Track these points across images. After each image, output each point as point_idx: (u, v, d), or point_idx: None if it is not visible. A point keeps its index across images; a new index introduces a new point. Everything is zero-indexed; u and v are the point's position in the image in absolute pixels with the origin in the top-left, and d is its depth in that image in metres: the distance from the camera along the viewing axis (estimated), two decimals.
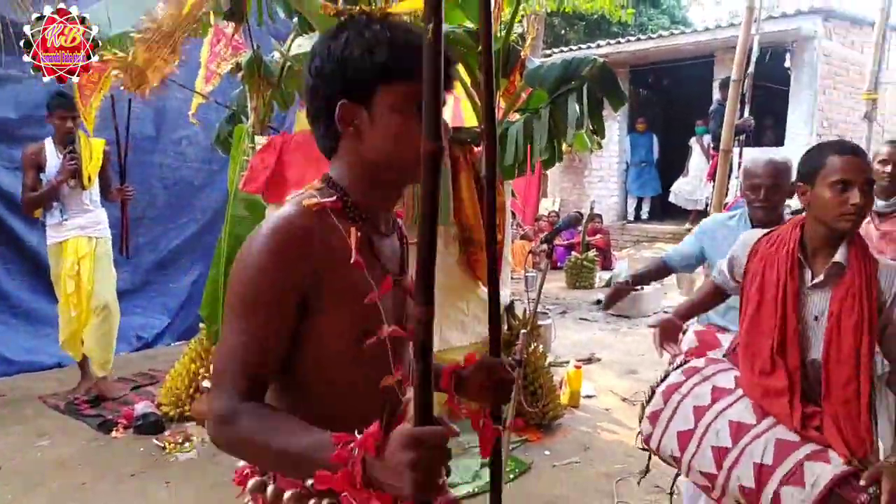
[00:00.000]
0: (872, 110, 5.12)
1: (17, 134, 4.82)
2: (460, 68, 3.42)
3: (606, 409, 4.37)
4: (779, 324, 1.84)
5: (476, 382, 1.30)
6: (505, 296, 4.33)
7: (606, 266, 9.22)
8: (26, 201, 4.22)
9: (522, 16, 4.69)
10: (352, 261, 1.04)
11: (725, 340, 2.33)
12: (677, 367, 2.09)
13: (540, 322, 4.91)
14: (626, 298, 6.84)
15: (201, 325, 4.23)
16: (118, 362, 4.69)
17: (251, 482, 1.14)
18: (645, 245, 10.88)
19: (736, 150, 5.38)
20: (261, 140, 3.97)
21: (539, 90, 3.75)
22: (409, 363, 1.22)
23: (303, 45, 4.36)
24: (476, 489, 3.15)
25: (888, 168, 3.28)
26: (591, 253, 8.87)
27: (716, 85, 9.08)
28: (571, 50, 11.65)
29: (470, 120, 4.42)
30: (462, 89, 3.83)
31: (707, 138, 9.19)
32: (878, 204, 3.31)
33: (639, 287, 6.85)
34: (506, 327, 4.10)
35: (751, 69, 5.31)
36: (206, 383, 3.90)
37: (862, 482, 1.63)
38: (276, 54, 4.36)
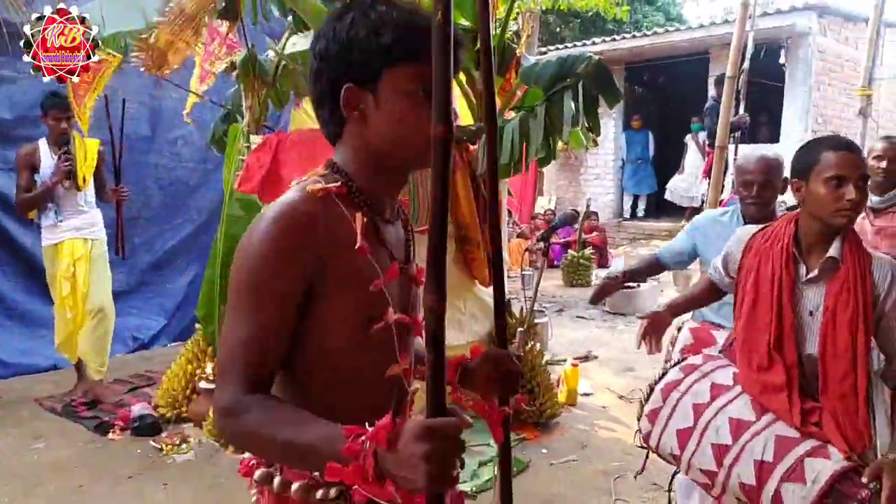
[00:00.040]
0: (867, 106, 5.12)
1: (11, 134, 4.80)
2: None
3: (603, 407, 4.37)
4: (775, 319, 1.84)
5: (483, 374, 1.28)
6: None
7: (603, 264, 9.23)
8: (21, 203, 4.20)
9: (517, 13, 4.69)
10: (357, 246, 1.03)
11: (720, 337, 2.34)
12: (675, 365, 2.08)
13: (537, 320, 4.91)
14: (619, 295, 6.90)
15: (198, 325, 4.21)
16: (114, 364, 4.68)
17: (258, 473, 1.13)
18: (641, 242, 10.89)
19: (731, 147, 5.37)
20: (256, 139, 3.96)
21: (534, 88, 3.75)
22: (414, 353, 1.21)
23: (297, 43, 4.35)
24: (475, 488, 3.16)
25: (883, 164, 3.29)
26: (588, 251, 8.87)
27: (711, 82, 9.10)
28: (567, 47, 11.64)
29: (465, 118, 4.42)
30: (458, 87, 3.83)
31: (702, 135, 9.19)
32: (873, 200, 3.31)
33: (635, 284, 6.90)
34: None
35: (745, 66, 5.31)
36: (203, 384, 3.89)
37: (863, 479, 1.64)
38: (271, 53, 4.35)
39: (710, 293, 2.31)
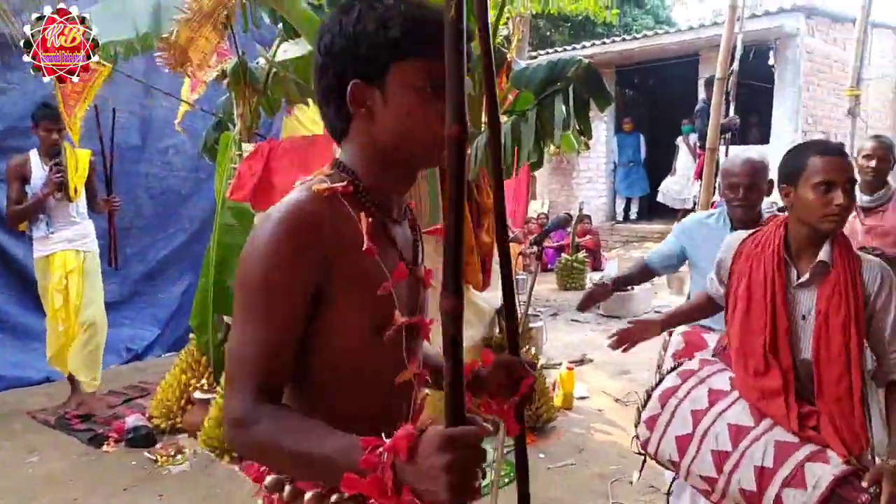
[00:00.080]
0: (855, 106, 5.16)
1: (1, 146, 4.78)
2: None
3: (599, 410, 4.37)
4: (769, 323, 1.84)
5: (495, 381, 1.26)
6: (496, 299, 4.32)
7: (597, 267, 9.24)
8: (11, 214, 4.18)
9: (508, 18, 4.70)
10: (364, 248, 1.00)
11: (711, 341, 2.34)
12: (672, 370, 2.08)
13: (531, 324, 4.91)
14: (613, 298, 6.88)
15: (192, 335, 4.19)
16: (108, 375, 4.66)
17: (269, 479, 1.10)
18: (634, 245, 10.92)
19: (722, 149, 5.40)
20: (248, 147, 3.96)
21: (525, 92, 3.76)
22: (421, 357, 1.19)
23: (288, 50, 4.35)
24: None
25: (872, 163, 3.31)
26: (581, 254, 8.88)
27: (701, 84, 9.14)
28: (557, 51, 11.68)
29: None
30: None
31: (693, 137, 9.23)
32: (863, 199, 3.34)
33: (628, 288, 6.90)
34: (497, 330, 4.09)
35: (735, 67, 5.34)
36: (198, 394, 3.87)
37: (864, 483, 1.65)
38: (262, 60, 4.34)
39: (707, 307, 2.30)
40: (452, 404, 0.81)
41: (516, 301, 1.29)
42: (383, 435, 0.85)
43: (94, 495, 3.28)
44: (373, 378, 1.07)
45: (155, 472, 3.52)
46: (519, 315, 4.44)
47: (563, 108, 3.45)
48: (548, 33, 15.42)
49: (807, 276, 1.83)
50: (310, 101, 4.69)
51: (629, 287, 6.78)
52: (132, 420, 3.92)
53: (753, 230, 2.05)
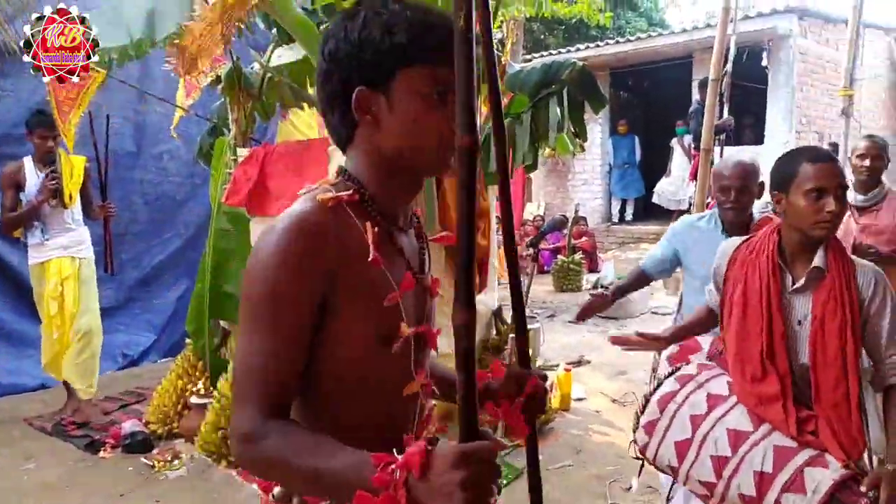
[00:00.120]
0: (849, 106, 5.18)
1: None
2: None
3: (597, 412, 4.37)
4: (765, 328, 1.85)
5: (505, 394, 1.24)
6: (492, 301, 4.33)
7: (593, 268, 9.25)
8: (5, 222, 4.17)
9: (502, 21, 4.71)
10: (370, 259, 0.99)
11: (705, 343, 2.34)
12: (670, 375, 2.07)
13: (528, 326, 4.91)
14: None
15: (188, 340, 4.19)
16: (104, 381, 4.64)
17: (277, 489, 1.08)
18: (630, 246, 10.94)
19: (717, 150, 5.41)
20: (243, 152, 3.96)
21: (520, 95, 3.76)
22: (428, 367, 1.18)
23: (283, 55, 4.35)
24: None
25: (866, 162, 3.33)
26: (578, 256, 8.89)
27: (695, 85, 9.15)
28: (551, 54, 11.71)
29: None
30: None
31: (688, 138, 9.26)
32: (858, 198, 3.35)
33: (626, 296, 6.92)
34: (494, 332, 4.09)
35: (728, 69, 5.36)
36: (194, 399, 3.86)
37: (862, 487, 1.66)
38: (256, 66, 4.35)
39: (708, 320, 2.29)
40: (465, 419, 0.80)
41: (526, 313, 1.27)
42: (394, 451, 0.84)
43: (90, 501, 3.27)
44: (378, 388, 1.06)
45: (152, 477, 3.51)
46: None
47: (558, 110, 3.46)
48: (542, 36, 15.45)
49: (802, 281, 1.84)
50: (304, 105, 4.69)
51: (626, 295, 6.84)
52: (129, 426, 3.90)
53: (747, 236, 2.06)
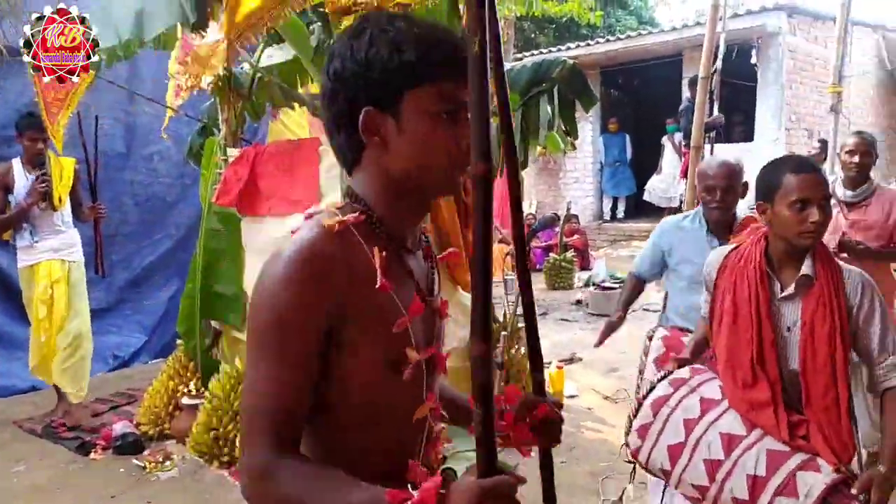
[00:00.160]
0: (838, 103, 5.22)
1: None
2: None
3: (589, 409, 4.39)
4: (755, 335, 1.86)
5: (518, 418, 1.22)
6: None
7: (585, 266, 9.27)
8: None
9: None
10: (377, 286, 0.96)
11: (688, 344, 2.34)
12: (663, 378, 2.07)
13: (520, 324, 4.91)
14: (601, 297, 7.00)
15: (179, 341, 4.17)
16: (95, 383, 4.62)
17: None
18: (622, 243, 10.97)
19: (707, 147, 5.44)
20: (233, 152, 3.94)
21: (510, 93, 3.77)
22: (437, 391, 1.15)
23: (272, 55, 4.34)
24: None
25: (855, 158, 3.34)
26: (569, 253, 8.91)
27: (685, 83, 9.21)
28: (542, 53, 11.73)
29: None
30: None
31: (678, 136, 9.30)
32: (847, 194, 3.37)
33: (616, 285, 6.95)
34: None
35: (718, 66, 5.37)
36: (186, 400, 3.85)
37: (853, 490, 1.68)
38: (246, 66, 4.33)
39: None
40: (484, 453, 0.78)
41: (539, 344, 1.25)
42: (409, 486, 0.83)
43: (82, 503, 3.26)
44: (388, 413, 1.03)
45: (143, 478, 3.50)
46: (508, 315, 4.44)
47: (549, 108, 3.47)
48: (532, 35, 15.47)
49: (791, 289, 1.85)
50: (295, 105, 4.68)
51: (619, 285, 6.87)
52: (120, 427, 3.89)
53: (736, 245, 2.07)
